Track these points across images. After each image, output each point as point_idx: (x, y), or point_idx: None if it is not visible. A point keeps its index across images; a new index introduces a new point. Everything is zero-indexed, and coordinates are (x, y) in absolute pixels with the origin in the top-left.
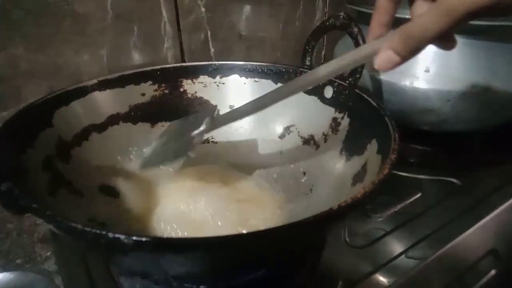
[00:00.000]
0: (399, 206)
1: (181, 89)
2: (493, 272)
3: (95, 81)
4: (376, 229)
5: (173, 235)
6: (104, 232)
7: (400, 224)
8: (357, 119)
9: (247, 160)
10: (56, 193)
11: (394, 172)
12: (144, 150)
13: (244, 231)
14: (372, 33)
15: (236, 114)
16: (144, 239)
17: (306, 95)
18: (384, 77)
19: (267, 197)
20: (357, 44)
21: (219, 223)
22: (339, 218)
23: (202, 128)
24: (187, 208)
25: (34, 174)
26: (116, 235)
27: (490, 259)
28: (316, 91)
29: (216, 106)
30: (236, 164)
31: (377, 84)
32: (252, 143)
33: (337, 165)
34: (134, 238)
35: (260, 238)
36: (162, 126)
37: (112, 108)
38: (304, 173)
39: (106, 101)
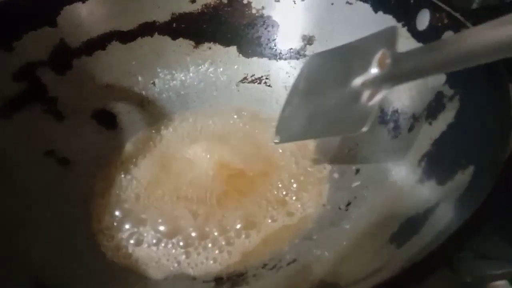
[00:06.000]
0: None
1: (245, 1)
2: None
3: None
4: None
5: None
6: None
7: None
8: (472, 107)
9: None
10: (19, 111)
11: None
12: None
13: None
14: None
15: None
16: None
17: None
18: None
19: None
20: None
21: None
22: None
23: (373, 72)
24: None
25: None
26: None
27: None
28: None
29: (395, 27)
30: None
31: None
32: None
33: (403, 180)
34: None
35: None
36: (209, 48)
37: (147, 13)
38: (358, 171)
39: (140, 2)
